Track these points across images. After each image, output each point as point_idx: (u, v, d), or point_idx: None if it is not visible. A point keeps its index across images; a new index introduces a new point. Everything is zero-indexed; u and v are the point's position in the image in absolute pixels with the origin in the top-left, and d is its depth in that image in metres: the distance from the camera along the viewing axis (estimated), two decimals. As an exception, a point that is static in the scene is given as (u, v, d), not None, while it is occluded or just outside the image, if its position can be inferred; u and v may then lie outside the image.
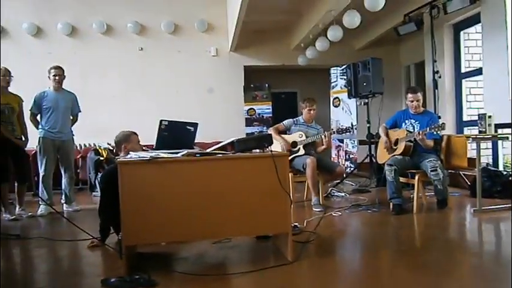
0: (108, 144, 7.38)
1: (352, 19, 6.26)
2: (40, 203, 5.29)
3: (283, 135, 5.29)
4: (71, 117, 5.48)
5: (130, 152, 3.03)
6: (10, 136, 4.87)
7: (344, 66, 7.92)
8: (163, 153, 2.67)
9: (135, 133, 3.82)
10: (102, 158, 6.89)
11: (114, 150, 3.89)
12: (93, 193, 6.81)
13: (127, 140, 3.74)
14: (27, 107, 5.26)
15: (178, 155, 2.65)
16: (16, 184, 5.13)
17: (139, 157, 2.65)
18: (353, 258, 3.30)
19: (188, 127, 3.10)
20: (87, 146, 7.61)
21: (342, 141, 8.22)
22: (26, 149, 5.21)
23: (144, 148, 3.61)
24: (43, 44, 8.46)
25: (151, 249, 3.42)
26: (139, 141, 3.78)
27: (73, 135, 5.51)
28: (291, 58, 9.21)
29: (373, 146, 6.64)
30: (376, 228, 4.19)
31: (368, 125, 6.83)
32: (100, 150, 7.03)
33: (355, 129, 6.46)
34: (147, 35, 8.82)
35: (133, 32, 8.70)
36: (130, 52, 8.68)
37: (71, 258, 3.66)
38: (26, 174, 5.24)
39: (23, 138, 5.12)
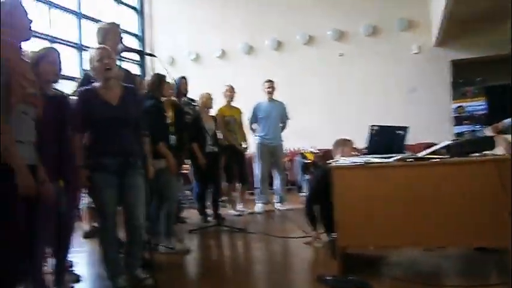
0: (311, 147, 7.82)
1: None
2: (256, 201, 5.96)
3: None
4: (281, 125, 6.03)
5: (341, 158, 3.17)
6: (235, 143, 5.65)
7: None
8: (374, 158, 2.72)
9: (350, 140, 3.87)
10: (308, 161, 7.34)
11: (332, 153, 3.99)
12: (300, 194, 7.31)
13: (344, 145, 3.80)
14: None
15: (391, 160, 2.66)
16: (238, 184, 5.91)
17: (352, 162, 2.77)
18: None
19: (398, 131, 3.07)
20: (293, 149, 8.14)
21: None
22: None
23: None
24: (254, 60, 9.47)
25: (359, 251, 3.49)
26: (353, 148, 3.83)
27: (282, 140, 6.05)
28: (508, 46, 8.06)
29: None
30: None
31: None
32: (306, 154, 7.50)
33: None
34: (346, 40, 8.98)
35: (333, 39, 8.98)
36: (330, 58, 8.98)
37: (287, 253, 4.03)
38: (247, 176, 5.98)
39: (244, 145, 5.88)
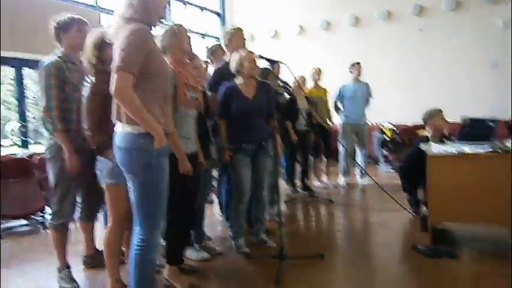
0: (389, 123, 8.08)
1: None
2: (341, 175, 6.47)
3: None
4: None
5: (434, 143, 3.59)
6: (321, 122, 6.14)
7: None
8: (466, 148, 3.13)
9: (440, 110, 4.18)
10: (387, 138, 7.64)
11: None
12: (377, 166, 7.79)
13: (432, 117, 4.15)
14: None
15: (482, 151, 3.05)
16: (324, 158, 6.44)
17: (445, 151, 3.20)
18: None
19: (490, 123, 3.37)
20: (372, 124, 8.30)
21: None
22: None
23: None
24: (333, 38, 9.69)
25: (446, 226, 3.89)
26: (443, 118, 4.14)
27: (367, 119, 6.45)
28: None
29: None
30: None
31: None
32: (384, 130, 7.79)
33: None
34: (426, 15, 8.89)
35: (413, 14, 8.94)
36: (409, 35, 8.98)
37: (380, 224, 4.43)
38: (332, 152, 6.48)
39: (329, 123, 6.36)
